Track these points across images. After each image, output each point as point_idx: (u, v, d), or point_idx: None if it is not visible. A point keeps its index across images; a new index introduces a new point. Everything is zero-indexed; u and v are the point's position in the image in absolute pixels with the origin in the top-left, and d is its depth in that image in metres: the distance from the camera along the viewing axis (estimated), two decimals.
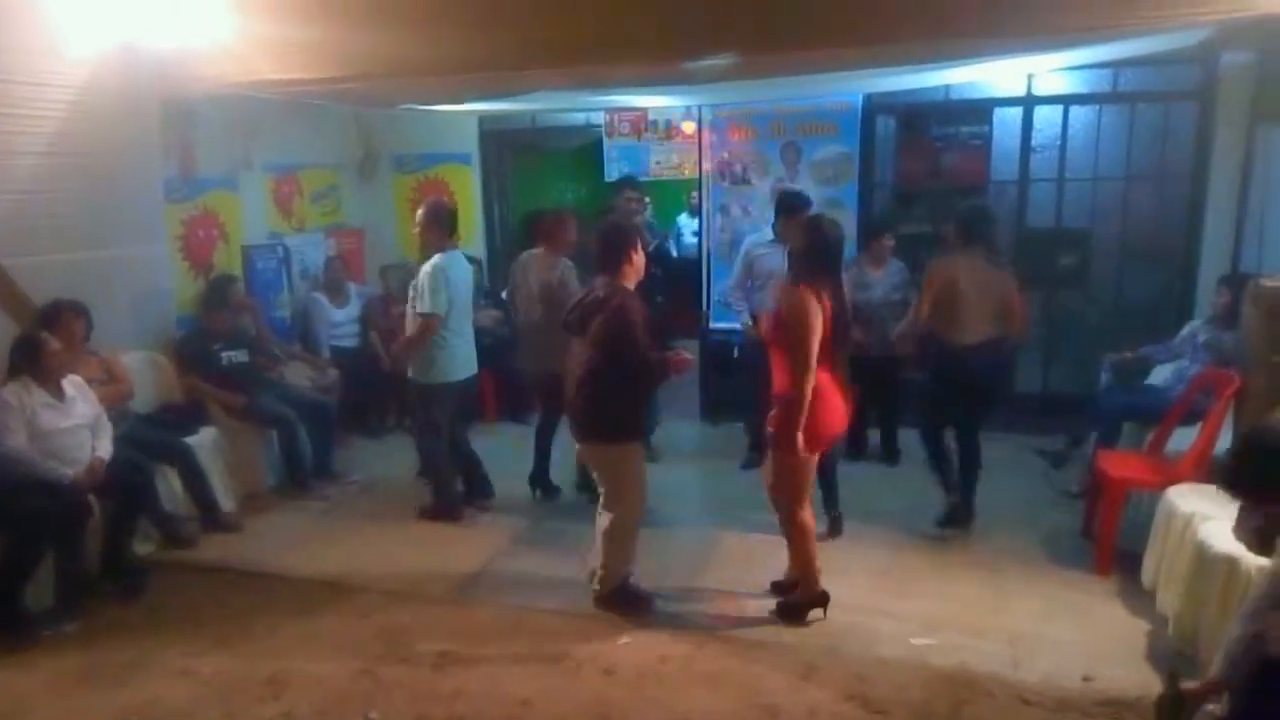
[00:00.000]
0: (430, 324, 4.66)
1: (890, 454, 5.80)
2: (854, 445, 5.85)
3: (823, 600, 3.76)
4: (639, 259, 3.82)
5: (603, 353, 3.70)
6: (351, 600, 4.02)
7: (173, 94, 5.12)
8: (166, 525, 4.56)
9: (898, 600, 3.90)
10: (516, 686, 3.30)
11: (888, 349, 5.28)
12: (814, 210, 4.97)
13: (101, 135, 4.79)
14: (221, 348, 5.33)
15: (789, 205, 5.04)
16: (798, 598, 3.79)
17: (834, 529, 4.57)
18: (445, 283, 4.66)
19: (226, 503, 4.98)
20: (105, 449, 4.16)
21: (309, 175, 6.80)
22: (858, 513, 4.75)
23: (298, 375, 5.93)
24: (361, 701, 3.23)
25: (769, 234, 5.32)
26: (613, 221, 4.07)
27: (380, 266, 6.99)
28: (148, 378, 5.06)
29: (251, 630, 3.77)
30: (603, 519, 3.84)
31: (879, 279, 5.61)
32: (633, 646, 3.57)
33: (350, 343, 6.47)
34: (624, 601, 3.86)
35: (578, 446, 3.97)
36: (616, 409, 3.72)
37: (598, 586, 3.89)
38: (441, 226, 4.81)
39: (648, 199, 7.56)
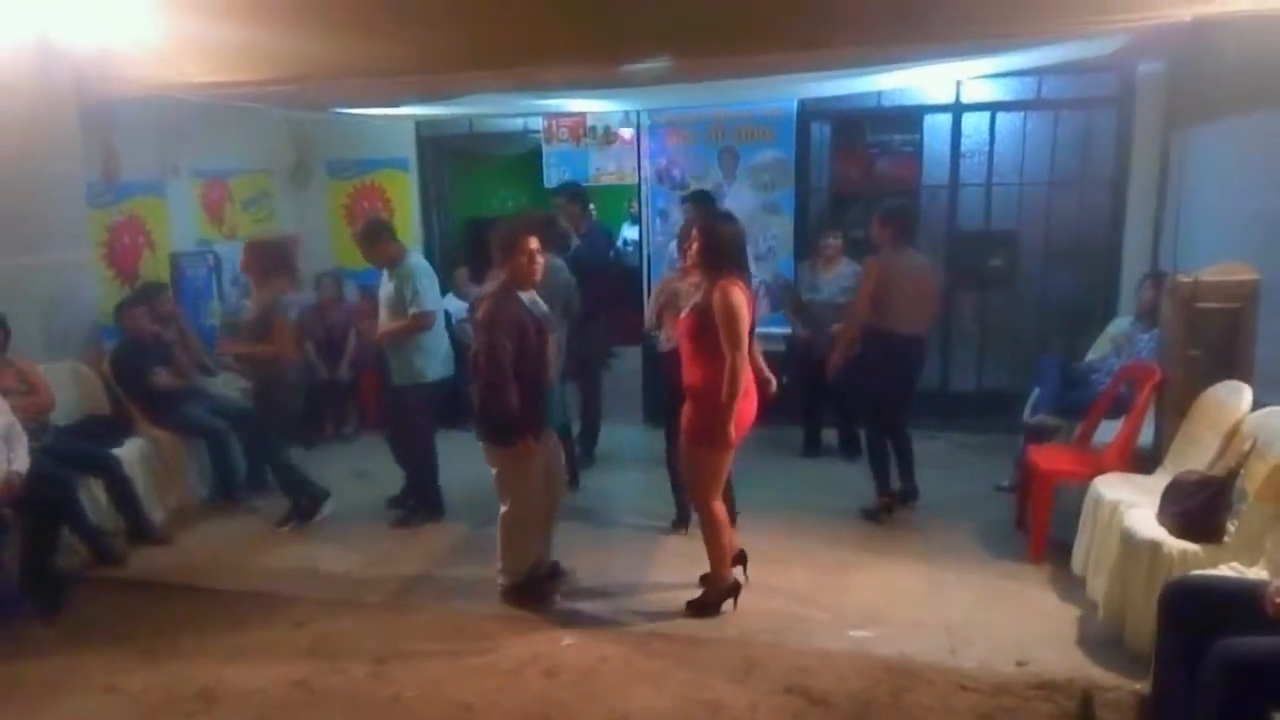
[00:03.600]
0: (426, 320, 4.73)
1: (849, 451, 5.84)
2: (810, 443, 5.95)
3: (734, 591, 3.80)
4: (517, 261, 3.72)
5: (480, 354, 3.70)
6: (285, 611, 3.93)
7: (92, 96, 4.97)
8: (93, 540, 4.39)
9: (838, 593, 3.94)
10: (457, 691, 3.24)
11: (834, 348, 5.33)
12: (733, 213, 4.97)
13: (16, 137, 4.64)
14: (151, 362, 5.14)
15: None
16: (708, 593, 3.81)
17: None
18: (432, 281, 4.82)
19: (156, 515, 4.83)
20: (21, 460, 3.98)
21: (240, 182, 6.66)
22: (801, 508, 4.93)
23: (230, 385, 5.78)
24: (296, 713, 3.14)
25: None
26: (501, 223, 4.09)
27: (315, 274, 6.88)
28: (70, 388, 4.89)
29: (180, 644, 3.65)
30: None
31: (828, 280, 5.70)
32: (575, 647, 3.54)
33: None
34: (526, 596, 3.89)
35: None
36: (501, 410, 3.64)
37: (500, 582, 3.93)
38: (392, 236, 4.85)
39: (592, 205, 7.58)
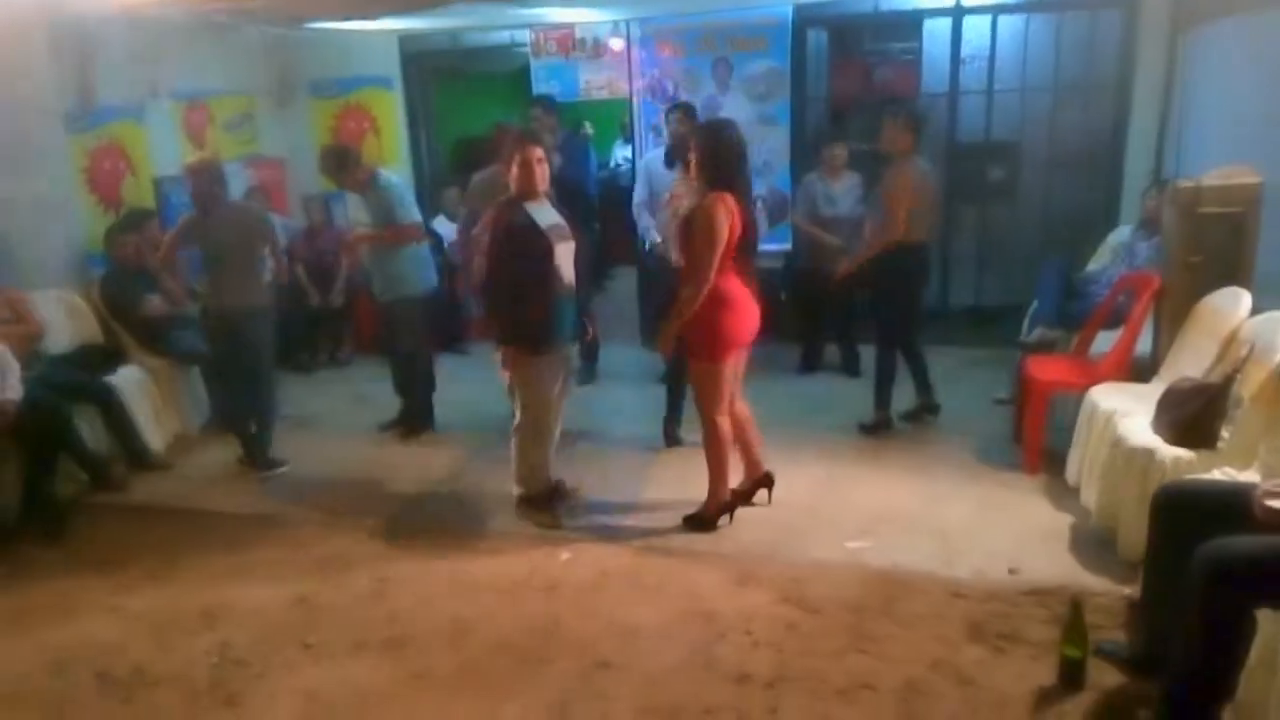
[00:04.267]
0: (417, 231, 4.81)
1: (851, 367, 5.81)
2: (807, 359, 5.92)
3: (731, 506, 3.83)
4: (520, 171, 3.66)
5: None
6: (285, 532, 3.97)
7: (62, 15, 4.80)
8: (92, 466, 4.42)
9: (834, 506, 3.97)
10: (457, 608, 3.28)
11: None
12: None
13: None
14: (142, 290, 5.08)
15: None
16: (705, 508, 3.82)
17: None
18: (410, 194, 4.86)
19: (154, 442, 4.84)
20: (14, 389, 3.97)
21: (221, 103, 6.48)
22: (798, 423, 4.91)
23: None
24: (298, 630, 3.19)
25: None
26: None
27: (303, 198, 6.76)
28: (59, 317, 4.85)
29: (182, 565, 3.70)
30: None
31: (842, 192, 5.57)
32: (574, 563, 3.58)
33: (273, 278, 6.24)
34: (539, 509, 3.92)
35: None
36: (512, 315, 3.66)
37: (515, 493, 3.96)
38: (359, 160, 4.84)
39: (587, 123, 7.39)
